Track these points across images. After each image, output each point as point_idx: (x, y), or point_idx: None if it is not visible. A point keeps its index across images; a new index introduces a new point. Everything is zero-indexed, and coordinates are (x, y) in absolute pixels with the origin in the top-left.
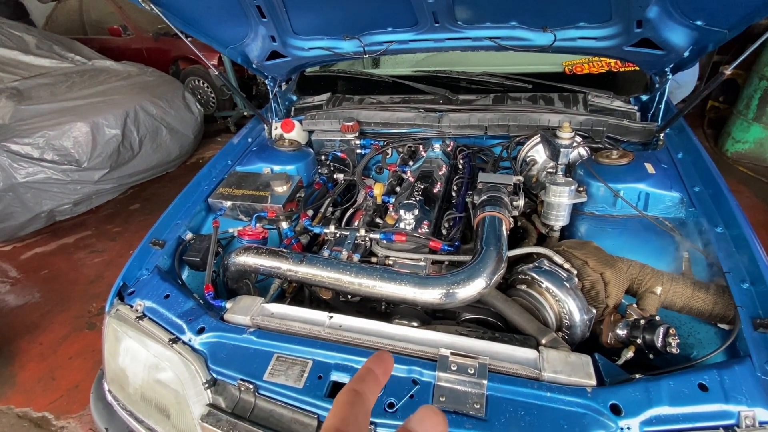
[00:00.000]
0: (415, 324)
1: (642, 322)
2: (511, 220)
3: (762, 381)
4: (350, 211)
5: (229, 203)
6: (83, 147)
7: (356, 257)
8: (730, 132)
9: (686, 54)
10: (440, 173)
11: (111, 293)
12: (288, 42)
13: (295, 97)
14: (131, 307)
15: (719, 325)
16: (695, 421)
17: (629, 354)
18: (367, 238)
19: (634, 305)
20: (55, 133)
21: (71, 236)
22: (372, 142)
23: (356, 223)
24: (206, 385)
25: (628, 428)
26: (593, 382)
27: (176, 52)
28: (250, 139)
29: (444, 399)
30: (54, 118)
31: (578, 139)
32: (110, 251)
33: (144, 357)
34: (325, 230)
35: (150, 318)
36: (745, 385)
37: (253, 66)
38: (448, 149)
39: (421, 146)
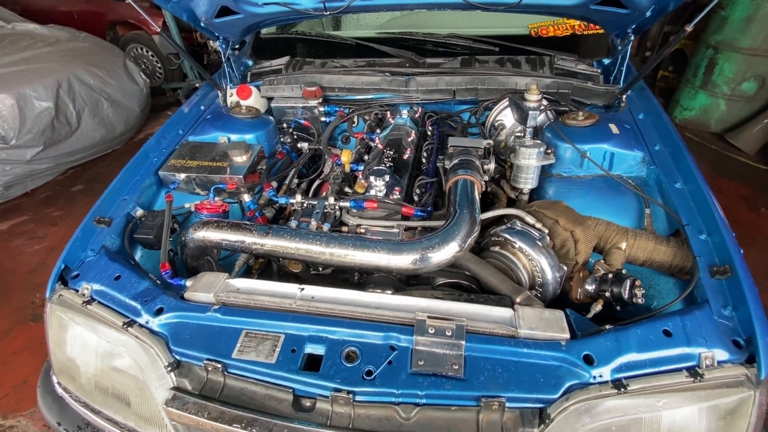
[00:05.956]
0: (389, 292)
1: (609, 276)
2: (483, 183)
3: (719, 324)
4: (317, 182)
5: (183, 176)
6: (9, 122)
7: (326, 227)
8: (678, 100)
9: (648, 13)
10: (409, 140)
11: (51, 278)
12: None
13: (251, 62)
14: (77, 291)
15: (676, 276)
16: (660, 365)
17: (598, 307)
18: (337, 207)
19: (601, 261)
20: None
21: (5, 222)
22: (337, 108)
23: (324, 194)
24: (169, 369)
25: (600, 376)
26: (567, 335)
27: (113, 16)
28: (202, 107)
29: (422, 363)
30: None
31: (545, 102)
32: (52, 237)
33: (95, 344)
34: (292, 200)
35: (99, 302)
36: (705, 329)
37: (201, 24)
38: (416, 116)
39: (388, 113)
